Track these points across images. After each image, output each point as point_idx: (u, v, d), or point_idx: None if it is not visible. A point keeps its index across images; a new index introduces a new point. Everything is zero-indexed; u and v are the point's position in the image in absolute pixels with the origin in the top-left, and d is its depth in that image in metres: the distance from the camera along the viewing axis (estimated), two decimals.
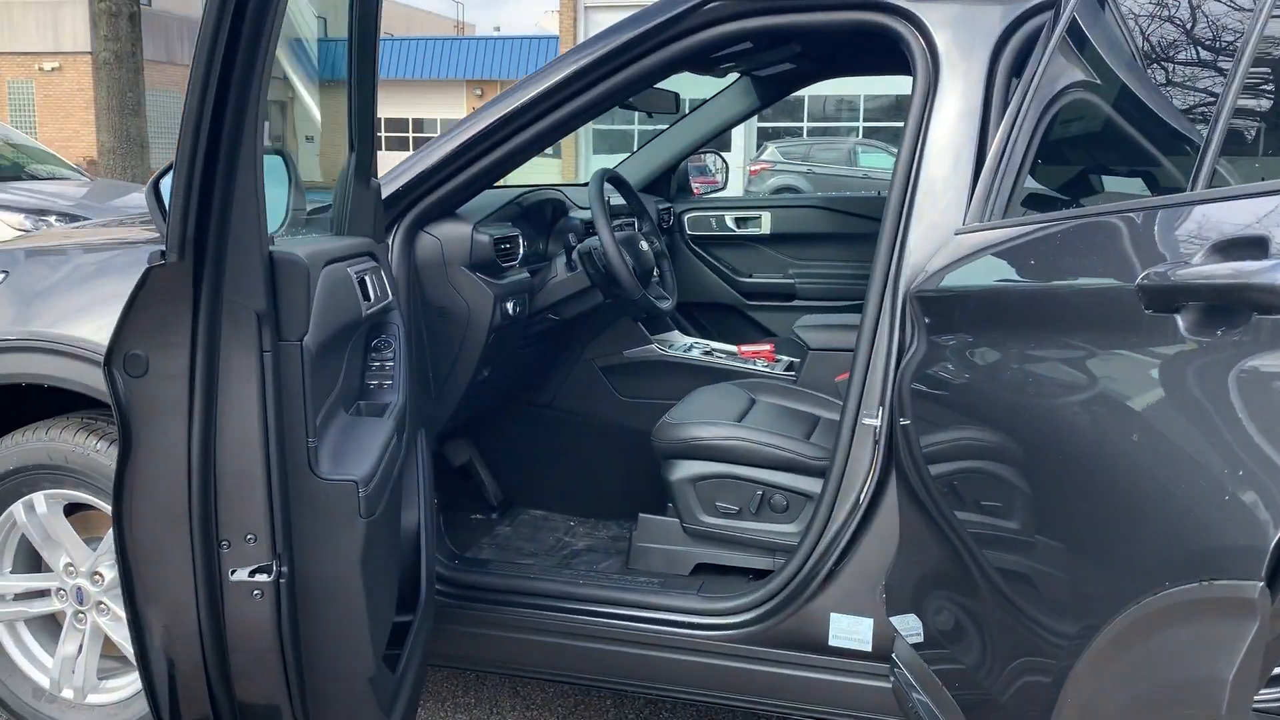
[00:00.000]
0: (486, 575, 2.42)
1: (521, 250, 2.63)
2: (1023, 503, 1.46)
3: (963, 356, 1.79)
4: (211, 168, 1.26)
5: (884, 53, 2.27)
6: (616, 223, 3.11)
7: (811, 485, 2.41)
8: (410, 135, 30.43)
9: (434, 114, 30.04)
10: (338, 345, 1.66)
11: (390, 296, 2.04)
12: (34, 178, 7.89)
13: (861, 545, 2.11)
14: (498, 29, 51.78)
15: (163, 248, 1.47)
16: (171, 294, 1.28)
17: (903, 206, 2.07)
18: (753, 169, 18.51)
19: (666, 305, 2.73)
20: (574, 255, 2.68)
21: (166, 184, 2.01)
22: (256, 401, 1.33)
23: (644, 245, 2.77)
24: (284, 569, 1.40)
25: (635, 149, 4.03)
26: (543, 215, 2.90)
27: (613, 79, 2.25)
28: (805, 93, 22.93)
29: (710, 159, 4.55)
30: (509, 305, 2.52)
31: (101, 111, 11.32)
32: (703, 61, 2.71)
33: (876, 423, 2.07)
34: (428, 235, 2.42)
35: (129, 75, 11.16)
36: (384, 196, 2.34)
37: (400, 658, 1.80)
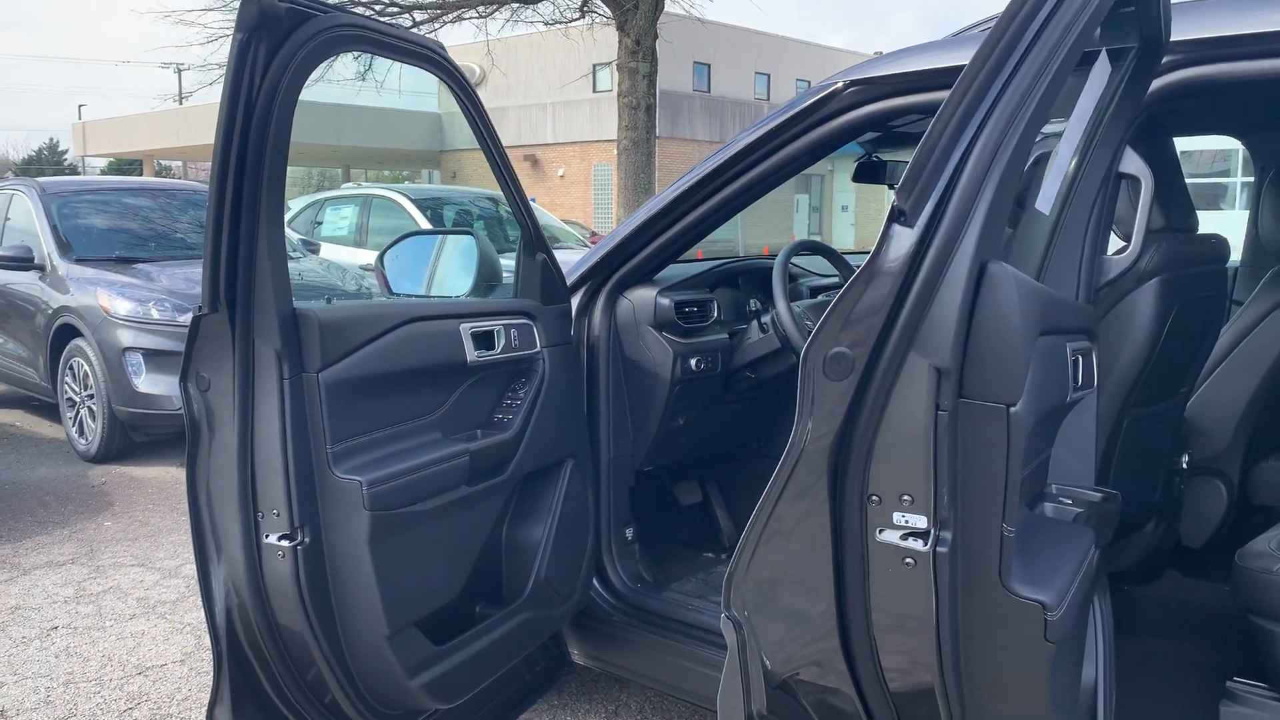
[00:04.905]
0: (651, 600, 2.72)
1: (716, 313, 2.91)
2: None
3: None
4: (234, 249, 1.78)
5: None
6: (828, 288, 3.24)
7: None
8: None
9: None
10: (420, 382, 2.13)
11: (538, 347, 2.47)
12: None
13: None
14: None
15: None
16: (219, 335, 1.84)
17: None
18: None
19: None
20: (763, 319, 2.90)
21: (388, 258, 2.66)
22: (278, 414, 1.84)
23: None
24: (305, 539, 1.88)
25: None
26: (759, 283, 3.15)
27: (764, 164, 2.46)
28: None
29: None
30: (693, 361, 2.82)
31: (620, 190, 13.19)
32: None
33: None
34: (624, 299, 2.81)
35: (642, 159, 12.89)
36: (594, 262, 2.79)
37: (458, 635, 2.19)
